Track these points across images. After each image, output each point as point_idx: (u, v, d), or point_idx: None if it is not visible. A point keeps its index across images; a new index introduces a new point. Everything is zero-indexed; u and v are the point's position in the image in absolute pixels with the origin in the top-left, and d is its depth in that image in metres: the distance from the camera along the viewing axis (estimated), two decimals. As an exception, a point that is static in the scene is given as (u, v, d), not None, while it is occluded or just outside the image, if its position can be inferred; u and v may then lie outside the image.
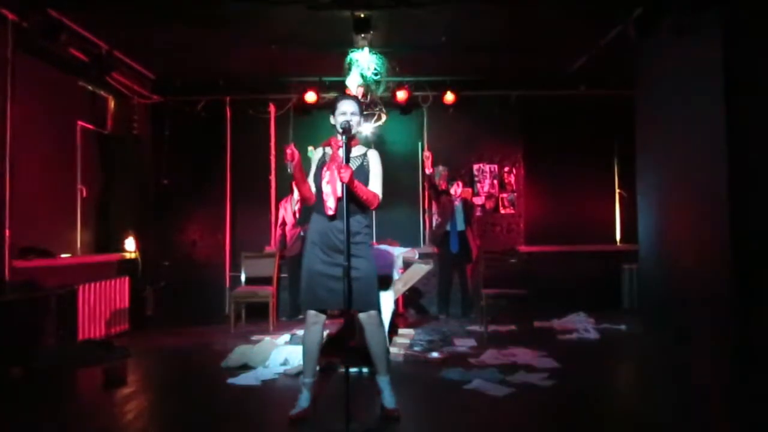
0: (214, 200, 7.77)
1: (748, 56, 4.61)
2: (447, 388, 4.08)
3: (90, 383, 4.52)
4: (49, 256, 5.47)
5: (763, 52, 4.59)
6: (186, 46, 6.39)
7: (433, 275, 7.02)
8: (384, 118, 7.54)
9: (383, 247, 5.28)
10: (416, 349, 5.31)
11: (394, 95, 7.28)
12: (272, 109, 7.81)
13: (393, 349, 4.94)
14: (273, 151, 7.83)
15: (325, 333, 3.77)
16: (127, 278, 6.56)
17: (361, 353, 3.87)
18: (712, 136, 4.79)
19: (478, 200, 7.81)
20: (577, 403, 3.79)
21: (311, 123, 7.59)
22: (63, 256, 5.86)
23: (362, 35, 5.73)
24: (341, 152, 3.17)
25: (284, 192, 7.48)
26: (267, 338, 5.38)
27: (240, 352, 4.83)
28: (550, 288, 7.07)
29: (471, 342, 5.58)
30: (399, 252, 5.31)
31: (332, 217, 3.30)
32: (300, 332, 5.26)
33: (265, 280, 6.69)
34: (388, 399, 3.40)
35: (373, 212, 3.58)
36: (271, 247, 7.37)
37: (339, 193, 3.22)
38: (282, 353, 4.79)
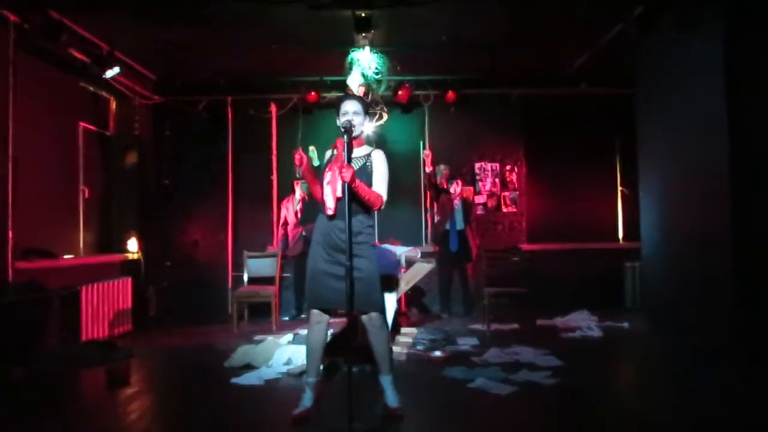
0: (216, 200, 7.76)
1: (748, 54, 4.60)
2: (450, 387, 4.08)
3: (93, 384, 4.53)
4: (51, 257, 5.48)
5: (763, 51, 4.59)
6: (186, 47, 6.39)
7: (434, 274, 7.03)
8: (385, 117, 7.55)
9: (387, 246, 5.29)
10: (419, 347, 5.31)
11: (395, 94, 7.28)
12: (273, 108, 7.81)
13: (396, 348, 4.94)
14: (274, 151, 7.84)
15: (330, 332, 3.76)
16: (129, 279, 6.57)
17: (364, 352, 3.87)
18: (714, 134, 4.78)
19: (479, 199, 7.81)
20: (580, 401, 3.79)
21: (313, 122, 7.62)
22: (66, 257, 5.88)
23: (363, 34, 5.73)
24: (344, 152, 3.18)
25: (286, 192, 7.50)
26: (270, 338, 5.38)
27: (243, 352, 4.84)
28: (553, 286, 7.09)
29: (473, 341, 5.58)
30: (401, 251, 5.31)
31: (332, 217, 3.31)
32: (303, 332, 5.29)
33: (268, 280, 6.69)
34: (391, 398, 3.41)
35: (376, 212, 3.58)
36: (274, 247, 7.37)
37: (338, 193, 3.24)
38: (285, 353, 4.80)
